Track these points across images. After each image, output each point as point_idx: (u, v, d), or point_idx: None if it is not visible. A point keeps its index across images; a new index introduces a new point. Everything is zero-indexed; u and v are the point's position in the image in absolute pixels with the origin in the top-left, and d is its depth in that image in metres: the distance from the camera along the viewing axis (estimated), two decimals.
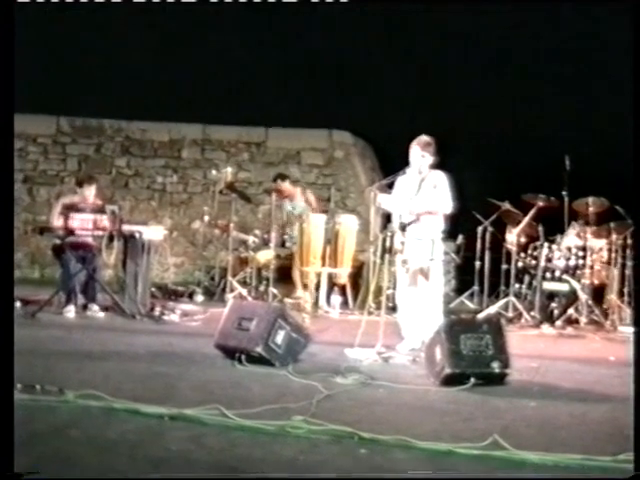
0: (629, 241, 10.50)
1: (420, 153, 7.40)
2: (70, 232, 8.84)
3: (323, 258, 9.97)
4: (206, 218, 11.50)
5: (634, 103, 7.18)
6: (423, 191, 7.40)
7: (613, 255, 10.36)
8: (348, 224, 10.20)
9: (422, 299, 7.31)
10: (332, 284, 10.41)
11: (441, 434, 4.43)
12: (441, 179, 7.45)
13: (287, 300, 9.84)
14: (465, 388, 5.70)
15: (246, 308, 7.00)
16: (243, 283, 10.73)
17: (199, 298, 10.73)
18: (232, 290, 10.49)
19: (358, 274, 10.63)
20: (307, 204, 11.05)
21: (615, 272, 10.40)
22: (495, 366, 5.87)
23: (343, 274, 10.31)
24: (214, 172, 11.91)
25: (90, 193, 9.40)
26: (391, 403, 5.33)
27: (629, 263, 10.57)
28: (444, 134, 7.78)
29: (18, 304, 8.90)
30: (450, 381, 5.79)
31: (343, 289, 10.44)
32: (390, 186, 7.73)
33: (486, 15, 10.87)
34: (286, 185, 11.27)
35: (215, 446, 4.16)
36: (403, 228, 7.22)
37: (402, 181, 7.54)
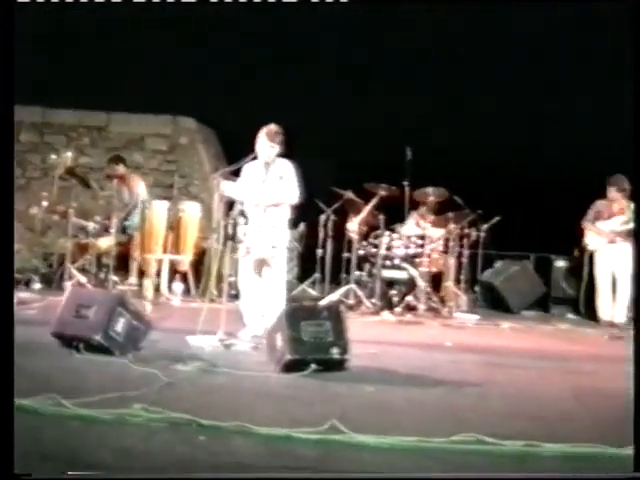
0: (466, 230, 10.86)
1: (267, 142, 7.40)
2: None
3: (165, 245, 9.87)
4: (44, 204, 11.15)
5: (634, 101, 7.38)
6: (270, 180, 7.41)
7: (451, 244, 10.69)
8: (191, 211, 10.14)
9: (265, 286, 7.34)
10: (174, 271, 10.32)
11: (280, 420, 4.45)
12: (288, 169, 7.46)
13: (120, 287, 9.65)
14: (305, 374, 5.75)
15: (85, 295, 6.86)
16: (82, 270, 10.47)
17: (36, 286, 10.45)
18: (71, 277, 10.22)
19: (200, 261, 10.56)
20: (129, 190, 10.71)
21: (452, 260, 10.74)
22: (335, 352, 5.95)
23: (185, 261, 10.24)
24: (53, 156, 11.54)
25: None
26: (231, 390, 5.33)
27: (465, 252, 10.94)
28: (288, 123, 7.79)
29: None
30: (290, 367, 5.84)
31: (185, 276, 10.35)
32: (235, 174, 7.70)
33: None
34: (120, 168, 10.93)
35: (51, 437, 4.05)
36: (246, 216, 7.22)
37: (248, 169, 7.53)
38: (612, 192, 10.16)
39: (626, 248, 10.10)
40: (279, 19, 11.10)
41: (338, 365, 6.00)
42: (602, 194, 10.33)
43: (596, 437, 4.30)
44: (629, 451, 4.05)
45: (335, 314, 6.22)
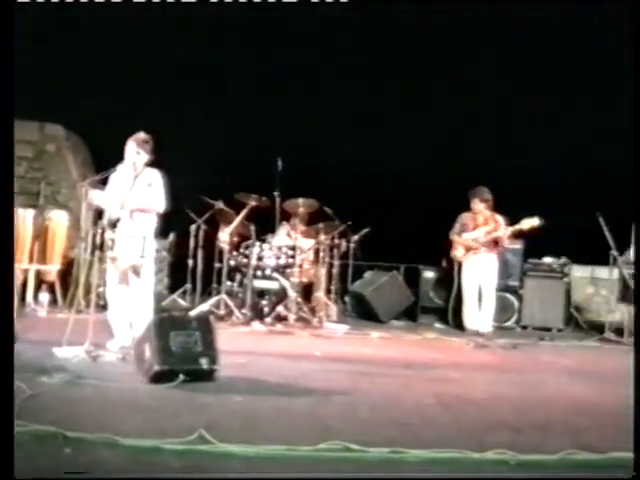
0: (337, 241, 11.00)
1: (135, 150, 7.33)
2: None
3: (31, 254, 9.64)
4: None
5: (634, 105, 7.47)
6: (137, 188, 7.34)
7: (321, 254, 10.79)
8: (58, 220, 9.95)
9: (133, 297, 7.25)
10: (40, 281, 10.08)
11: (147, 431, 4.41)
12: (156, 177, 7.42)
13: None
14: (174, 385, 5.71)
15: None
16: None
17: None
18: None
19: (68, 271, 10.34)
20: None
21: (323, 271, 10.85)
22: (204, 362, 5.93)
23: (52, 271, 10.02)
24: None
25: None
26: (97, 401, 5.24)
27: (336, 262, 11.07)
28: (160, 132, 7.73)
29: None
30: (159, 378, 5.78)
31: (52, 287, 10.13)
32: (103, 182, 7.59)
33: None
34: None
35: None
36: (114, 225, 7.13)
37: (116, 177, 7.44)
38: (476, 204, 10.45)
39: (491, 259, 10.40)
40: (147, 24, 11.04)
41: (207, 375, 5.97)
42: (467, 207, 10.61)
43: (458, 442, 4.42)
44: (492, 455, 4.19)
45: (204, 324, 6.20)
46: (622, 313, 11.39)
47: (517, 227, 10.23)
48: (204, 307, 10.00)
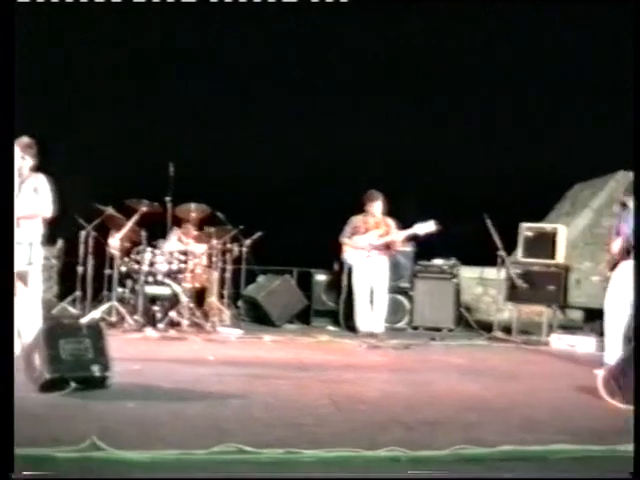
0: (229, 246, 10.99)
1: (20, 154, 7.19)
2: None
3: None
4: None
5: (634, 102, 7.46)
6: (23, 194, 7.20)
7: (213, 259, 10.77)
8: None
9: (21, 305, 7.10)
10: None
11: (40, 439, 4.34)
12: (42, 182, 7.30)
13: None
14: (66, 393, 5.63)
15: None
16: None
17: None
18: None
19: None
20: None
21: (215, 275, 10.82)
22: (95, 369, 5.86)
23: None
24: None
25: None
26: None
27: (228, 267, 11.07)
28: (48, 137, 7.61)
29: None
30: (50, 386, 5.68)
31: None
32: None
33: None
34: None
35: None
36: None
37: None
38: (368, 207, 10.59)
39: (382, 261, 10.55)
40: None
41: (100, 383, 5.90)
42: (358, 210, 10.75)
43: (351, 441, 4.49)
44: (384, 453, 4.27)
45: (95, 331, 6.12)
46: (510, 312, 11.72)
47: (411, 231, 10.40)
48: (95, 314, 9.86)
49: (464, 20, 13.07)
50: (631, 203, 8.20)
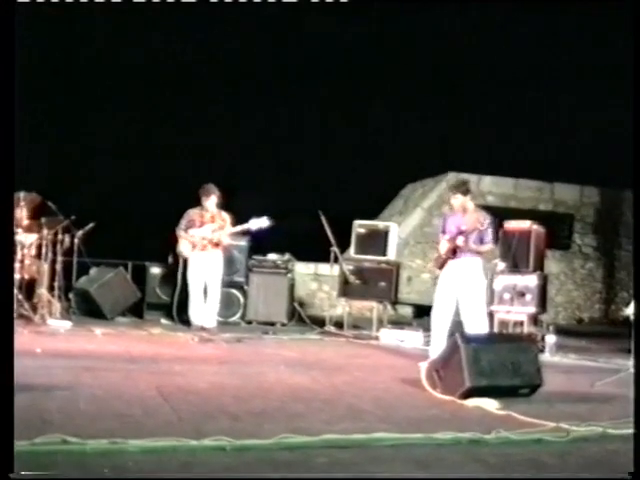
0: (60, 236, 10.74)
1: None
2: None
3: None
4: None
5: (634, 104, 7.36)
6: None
7: (44, 250, 10.51)
8: None
9: None
10: None
11: None
12: None
13: None
14: None
15: None
16: None
17: None
18: None
19: None
20: None
21: (46, 267, 10.57)
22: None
23: None
24: None
25: None
26: None
27: (59, 258, 10.81)
28: None
29: None
30: None
31: None
32: None
33: None
34: None
35: None
36: None
37: None
38: (204, 201, 10.53)
39: (217, 255, 10.52)
40: None
41: None
42: (195, 203, 10.68)
43: (178, 431, 4.52)
44: (209, 442, 4.31)
45: None
46: (343, 307, 11.97)
47: (245, 226, 10.41)
48: None
49: None
50: (454, 202, 8.55)
